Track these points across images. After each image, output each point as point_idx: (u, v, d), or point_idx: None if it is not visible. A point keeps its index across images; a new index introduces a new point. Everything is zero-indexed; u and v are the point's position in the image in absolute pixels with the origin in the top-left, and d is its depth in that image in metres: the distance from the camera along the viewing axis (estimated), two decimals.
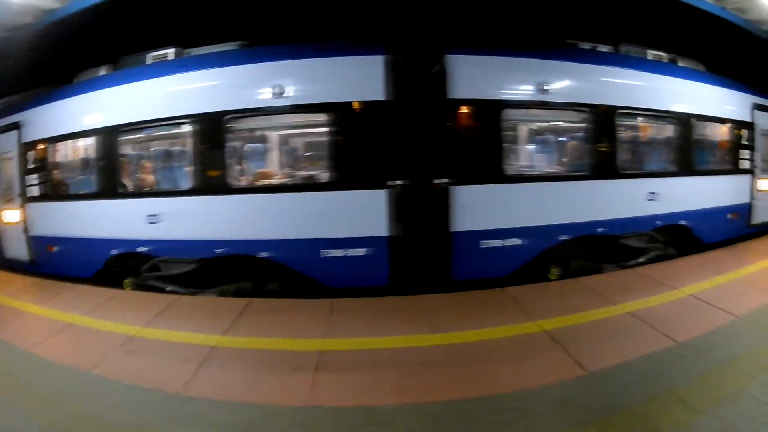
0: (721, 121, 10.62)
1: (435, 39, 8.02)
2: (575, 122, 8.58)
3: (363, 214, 7.44)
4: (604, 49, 9.12)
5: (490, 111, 7.51)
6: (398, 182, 7.47)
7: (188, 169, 7.71)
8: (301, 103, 7.41)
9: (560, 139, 8.84)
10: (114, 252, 7.80)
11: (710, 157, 10.74)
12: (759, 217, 11.58)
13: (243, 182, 8.00)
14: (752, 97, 11.45)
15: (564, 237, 7.82)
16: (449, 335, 5.55)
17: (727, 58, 12.43)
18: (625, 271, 8.20)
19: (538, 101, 7.83)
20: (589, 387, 4.35)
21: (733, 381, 4.37)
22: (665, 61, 10.06)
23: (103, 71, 8.86)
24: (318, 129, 7.90)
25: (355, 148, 7.38)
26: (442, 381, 4.54)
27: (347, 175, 7.37)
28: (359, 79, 7.57)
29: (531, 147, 8.61)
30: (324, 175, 7.52)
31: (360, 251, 7.32)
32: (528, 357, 5.05)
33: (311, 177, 8.00)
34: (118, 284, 7.88)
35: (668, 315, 6.06)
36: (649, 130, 9.58)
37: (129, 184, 8.20)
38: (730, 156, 10.75)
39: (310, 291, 7.18)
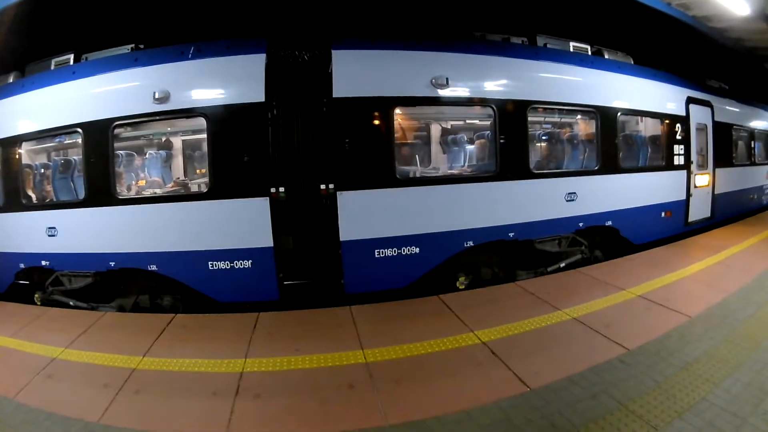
0: (652, 115, 9.98)
1: (320, 34, 7.36)
2: (480, 119, 7.96)
3: (246, 224, 6.73)
4: (517, 41, 8.22)
5: (380, 109, 6.85)
6: (281, 189, 6.81)
7: (80, 179, 7.14)
8: (181, 108, 6.77)
9: (464, 137, 8.08)
10: (21, 266, 7.30)
11: (640, 154, 10.11)
12: (696, 214, 10.97)
13: (128, 192, 7.45)
14: (687, 90, 10.82)
15: (470, 243, 7.17)
16: (377, 351, 5.08)
17: (662, 52, 11.81)
18: (570, 272, 7.77)
19: (434, 97, 7.12)
20: (533, 405, 3.98)
21: (693, 390, 4.11)
22: (589, 53, 9.30)
23: (11, 79, 8.33)
24: (200, 135, 7.30)
25: (236, 154, 6.72)
26: (369, 404, 4.13)
27: (228, 183, 6.69)
28: (239, 79, 6.85)
29: (430, 147, 7.82)
30: (206, 184, 6.89)
31: (246, 263, 6.69)
32: (465, 373, 4.59)
33: (194, 186, 7.41)
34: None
35: (617, 319, 5.73)
36: (568, 126, 8.83)
37: (31, 196, 7.62)
38: (662, 152, 10.10)
39: (236, 306, 6.76)
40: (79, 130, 6.85)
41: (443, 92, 7.06)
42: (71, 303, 7.20)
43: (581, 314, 5.85)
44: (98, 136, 6.85)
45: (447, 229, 7.01)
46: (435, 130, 8.07)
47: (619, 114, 8.99)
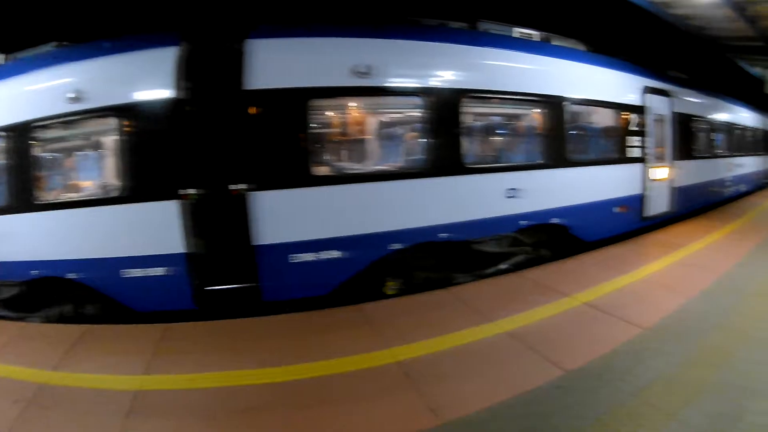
0: (605, 105, 9.21)
1: (236, 23, 6.51)
2: (409, 110, 7.02)
3: (155, 228, 6.13)
4: (456, 26, 7.44)
5: (294, 102, 6.06)
6: (192, 191, 6.03)
7: (4, 184, 6.52)
8: (93, 107, 6.14)
9: (392, 131, 7.22)
10: None
11: (591, 146, 9.37)
12: (653, 208, 10.27)
13: (45, 197, 6.64)
14: (644, 79, 10.11)
15: (397, 246, 6.42)
16: (282, 370, 4.38)
17: (618, 39, 11.09)
18: (512, 276, 7.11)
19: (355, 87, 6.28)
20: None
21: (643, 424, 3.37)
22: (535, 39, 8.52)
23: None
24: (111, 136, 6.46)
25: (144, 155, 6.07)
26: None
27: (136, 186, 6.06)
28: (149, 75, 6.17)
29: (353, 142, 6.97)
30: (116, 187, 6.25)
31: (159, 270, 6.07)
32: (371, 400, 3.89)
33: (105, 189, 6.58)
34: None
35: (557, 332, 5.05)
36: (509, 116, 8.04)
37: None
38: (616, 144, 9.36)
39: (160, 316, 6.12)
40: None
41: (365, 82, 6.27)
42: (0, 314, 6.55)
43: (516, 326, 5.13)
44: (16, 140, 6.25)
45: (369, 231, 6.31)
46: (359, 124, 7.22)
47: (567, 103, 8.22)
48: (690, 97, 12.53)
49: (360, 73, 6.19)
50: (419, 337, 4.85)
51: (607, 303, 5.74)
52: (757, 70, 16.11)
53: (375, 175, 6.56)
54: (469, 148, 7.27)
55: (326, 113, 6.73)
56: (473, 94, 7.10)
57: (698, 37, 13.27)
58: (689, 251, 8.36)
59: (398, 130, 7.27)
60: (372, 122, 7.01)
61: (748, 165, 17.80)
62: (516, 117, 8.15)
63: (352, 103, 6.73)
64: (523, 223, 7.73)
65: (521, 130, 8.20)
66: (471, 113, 7.33)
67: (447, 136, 6.71)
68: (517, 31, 8.48)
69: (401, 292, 6.64)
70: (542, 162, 7.93)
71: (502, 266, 7.78)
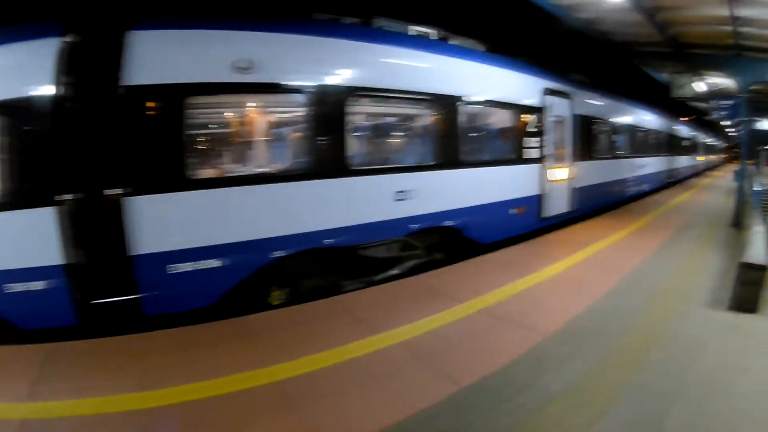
0: (503, 105, 9.11)
1: (117, 13, 5.82)
2: (293, 109, 6.49)
3: (33, 238, 5.39)
4: (349, 21, 7.28)
5: (173, 99, 5.45)
6: (68, 197, 5.34)
7: None
8: None
9: (274, 131, 6.73)
10: None
11: (487, 147, 9.26)
12: (551, 209, 10.34)
13: None
14: (544, 81, 10.13)
15: (280, 253, 5.92)
16: (163, 393, 3.87)
17: (521, 41, 11.08)
18: (404, 281, 6.73)
19: (236, 84, 5.72)
20: None
21: None
22: (433, 38, 8.28)
23: None
24: None
25: (17, 157, 5.33)
26: None
27: (10, 192, 5.33)
28: (24, 69, 5.42)
29: (232, 142, 6.48)
30: None
31: (39, 284, 5.36)
32: (250, 425, 3.42)
33: None
34: None
35: (452, 343, 4.67)
36: (399, 116, 7.73)
37: None
38: (514, 145, 9.31)
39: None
40: None
41: (247, 78, 5.71)
42: None
43: (407, 338, 4.75)
44: None
45: (250, 237, 5.76)
46: (241, 123, 6.73)
47: (461, 103, 8.07)
48: (592, 99, 12.76)
49: (241, 69, 5.66)
50: (304, 352, 4.44)
51: (506, 309, 5.53)
52: (663, 76, 16.65)
53: (255, 177, 6.01)
54: (356, 148, 6.89)
55: (206, 112, 6.18)
56: (362, 93, 6.68)
57: (604, 42, 13.46)
58: (592, 250, 8.45)
59: (282, 130, 6.76)
60: (255, 122, 6.47)
61: (651, 165, 18.51)
62: (408, 116, 7.84)
63: (234, 101, 6.23)
64: (413, 226, 7.44)
65: (413, 130, 7.89)
66: (359, 112, 6.97)
67: (332, 136, 6.30)
68: (414, 29, 8.20)
69: (289, 302, 6.16)
70: (434, 163, 7.70)
71: (394, 272, 7.34)
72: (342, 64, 6.64)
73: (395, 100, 7.44)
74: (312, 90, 6.15)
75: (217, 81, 5.62)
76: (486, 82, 8.75)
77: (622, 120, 15.16)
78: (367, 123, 7.41)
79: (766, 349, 4.65)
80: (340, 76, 6.53)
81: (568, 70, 12.78)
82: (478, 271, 7.20)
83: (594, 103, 12.94)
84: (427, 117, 7.76)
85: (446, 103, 7.82)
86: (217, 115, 6.39)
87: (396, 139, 7.93)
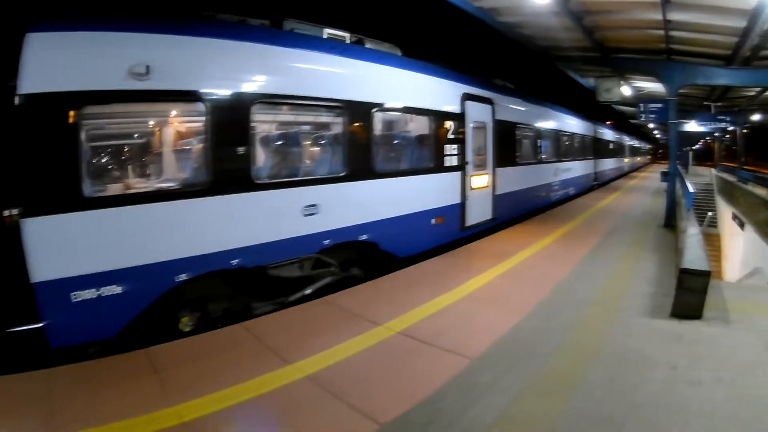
0: (420, 112, 8.76)
1: (14, 12, 5.39)
2: (195, 119, 5.90)
3: None
4: (258, 23, 6.94)
5: (67, 109, 4.80)
6: None
7: None
8: None
9: (174, 143, 6.17)
10: None
11: (403, 156, 8.91)
12: (475, 217, 10.07)
13: None
14: (464, 86, 9.87)
15: (184, 276, 5.33)
16: None
17: (440, 45, 10.77)
18: (316, 302, 6.21)
19: (133, 91, 5.06)
20: None
21: None
22: (347, 42, 7.80)
23: None
24: None
25: None
26: None
27: None
28: None
29: (132, 157, 5.89)
30: None
31: None
32: None
33: None
34: None
35: (368, 373, 4.24)
36: (309, 125, 7.25)
37: None
38: (432, 152, 8.98)
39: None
40: None
41: (145, 84, 5.09)
42: None
43: (319, 368, 4.30)
44: None
45: (151, 260, 5.13)
46: (141, 135, 6.07)
47: (376, 110, 7.66)
48: (514, 104, 12.69)
49: (138, 75, 5.04)
50: (210, 388, 3.96)
51: (428, 330, 5.12)
52: (590, 81, 16.87)
53: (153, 194, 5.37)
54: (262, 160, 6.47)
55: (103, 123, 5.57)
56: (267, 100, 6.21)
57: (528, 47, 13.40)
58: (518, 260, 8.21)
59: (182, 143, 6.15)
60: (153, 134, 5.94)
61: (576, 169, 18.76)
62: (318, 125, 7.39)
63: (132, 111, 5.61)
64: (326, 242, 6.98)
65: (324, 139, 7.42)
66: (265, 121, 6.56)
67: (236, 147, 5.78)
68: (328, 32, 7.71)
69: (199, 328, 5.66)
70: (346, 174, 7.25)
71: (307, 291, 6.80)
72: (247, 69, 6.09)
73: (304, 107, 7.02)
74: (213, 97, 5.59)
75: (113, 89, 4.98)
76: (402, 88, 8.39)
77: (546, 125, 15.25)
78: (273, 132, 6.95)
79: (719, 358, 4.44)
80: (244, 82, 5.96)
81: (492, 74, 12.63)
82: (395, 287, 6.79)
83: (517, 108, 12.87)
84: (339, 125, 7.29)
85: (359, 111, 7.41)
86: (115, 126, 5.80)
87: (305, 150, 7.40)
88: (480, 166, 10.63)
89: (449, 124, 9.28)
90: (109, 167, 5.55)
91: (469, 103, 9.91)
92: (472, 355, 4.49)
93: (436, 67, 9.36)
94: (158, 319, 5.42)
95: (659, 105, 11.61)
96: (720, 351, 4.64)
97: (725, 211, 20.28)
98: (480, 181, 10.39)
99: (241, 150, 5.80)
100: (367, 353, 4.61)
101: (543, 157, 14.88)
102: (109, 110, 5.42)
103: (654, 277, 7.00)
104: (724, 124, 17.59)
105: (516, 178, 12.43)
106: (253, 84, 6.14)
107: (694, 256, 5.95)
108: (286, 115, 7.14)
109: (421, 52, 9.85)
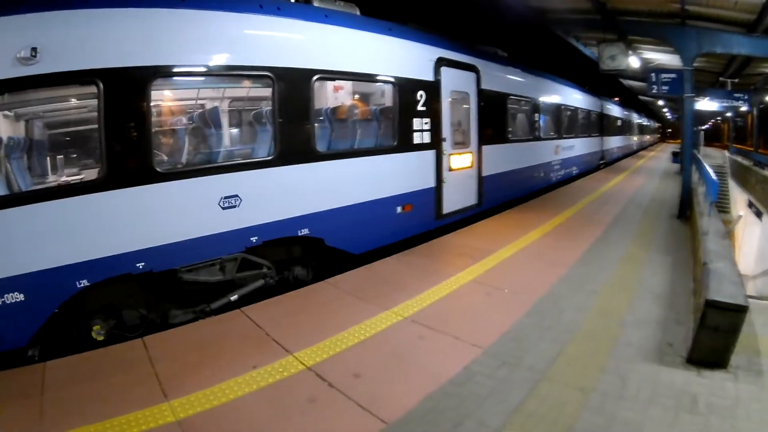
0: (377, 79, 7.13)
1: None
2: (82, 102, 5.13)
3: None
4: None
5: None
6: None
7: None
8: None
9: (65, 132, 5.52)
10: None
11: (356, 131, 7.34)
12: (454, 203, 8.34)
13: None
14: (437, 50, 8.00)
15: (85, 282, 4.40)
16: None
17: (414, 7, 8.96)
18: (227, 316, 4.96)
19: (21, 78, 4.09)
20: None
21: None
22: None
23: None
24: None
25: None
26: None
27: None
28: None
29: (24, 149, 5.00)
30: None
31: None
32: None
33: None
34: None
35: (263, 423, 3.09)
36: (224, 99, 5.72)
37: None
38: (396, 128, 7.28)
39: None
40: None
41: (34, 69, 4.08)
42: None
43: (196, 412, 3.23)
44: None
45: (45, 266, 4.24)
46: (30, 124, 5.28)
47: (315, 78, 6.01)
48: (506, 74, 10.81)
49: (25, 60, 4.06)
50: (90, 418, 3.15)
51: (352, 368, 3.75)
52: (593, 51, 14.82)
53: (41, 192, 4.46)
54: (163, 145, 5.36)
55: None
56: (172, 72, 4.89)
57: (523, 11, 11.47)
58: (495, 261, 6.49)
59: (72, 130, 5.48)
60: (43, 122, 5.27)
61: (580, 147, 16.83)
62: (236, 99, 5.77)
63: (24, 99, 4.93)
64: (253, 239, 5.55)
65: (248, 116, 5.87)
66: (165, 98, 5.48)
67: (132, 130, 4.57)
68: None
69: (113, 336, 4.83)
70: (275, 158, 5.67)
71: (233, 298, 5.62)
72: (147, 38, 4.69)
73: (221, 77, 5.80)
74: (105, 75, 4.38)
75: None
76: (353, 52, 6.67)
77: (546, 98, 13.30)
78: (177, 109, 5.74)
79: None
80: (140, 53, 4.59)
81: (484, 42, 10.74)
82: (324, 300, 5.26)
83: (510, 78, 11.00)
84: (265, 100, 5.87)
85: (293, 80, 5.79)
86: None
87: (220, 131, 5.95)
88: (461, 144, 8.88)
89: (418, 95, 7.51)
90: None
91: (446, 70, 8.13)
92: (391, 415, 3.13)
93: (401, 28, 7.53)
94: (72, 327, 4.70)
95: (673, 75, 9.63)
96: (752, 427, 3.01)
97: (739, 197, 18.26)
98: (461, 160, 8.62)
99: (138, 134, 4.58)
100: (263, 395, 3.42)
101: (542, 133, 12.94)
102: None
103: (664, 291, 5.29)
104: (740, 102, 15.40)
105: (508, 157, 10.63)
106: (155, 53, 4.74)
107: (725, 281, 4.13)
108: (196, 90, 6.01)
109: (403, 16, 8.02)
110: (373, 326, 4.55)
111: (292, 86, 5.75)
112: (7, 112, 5.05)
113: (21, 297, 4.11)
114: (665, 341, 4.10)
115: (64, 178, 5.08)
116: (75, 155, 5.37)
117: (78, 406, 3.30)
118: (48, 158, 5.35)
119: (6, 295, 4.04)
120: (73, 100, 5.29)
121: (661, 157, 30.12)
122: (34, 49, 4.03)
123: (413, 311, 4.88)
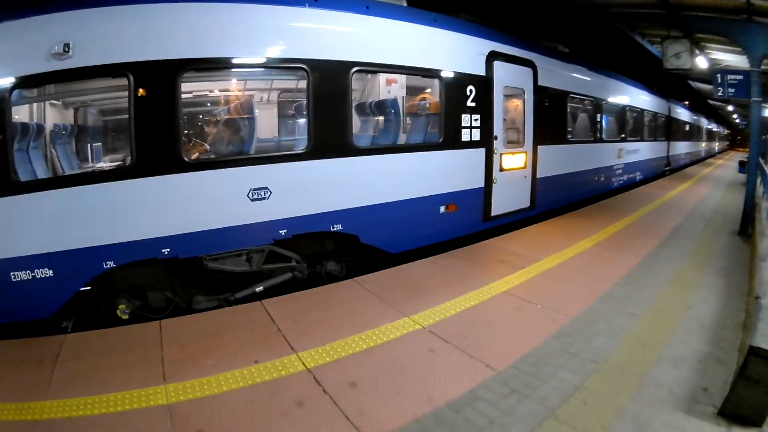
0: (421, 72, 6.62)
1: None
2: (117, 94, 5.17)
3: None
4: None
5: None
6: None
7: None
8: None
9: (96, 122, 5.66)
10: None
11: (398, 127, 6.93)
12: (504, 205, 7.73)
13: None
14: (490, 43, 7.41)
15: (111, 264, 4.47)
16: None
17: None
18: (237, 308, 4.84)
19: (58, 72, 4.21)
20: None
21: None
22: None
23: None
24: None
25: None
26: None
27: None
28: None
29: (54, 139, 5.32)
30: None
31: None
32: None
33: None
34: None
35: None
36: (259, 90, 5.91)
37: None
38: (441, 124, 6.75)
39: None
40: None
41: (67, 63, 4.18)
42: None
43: (191, 397, 3.22)
44: None
45: (76, 245, 4.36)
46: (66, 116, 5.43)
47: (355, 70, 5.67)
48: (566, 71, 10.02)
49: (59, 55, 4.15)
50: (92, 390, 3.26)
51: (351, 375, 3.45)
52: (659, 48, 13.66)
53: (76, 178, 4.77)
54: (194, 136, 5.44)
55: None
56: (198, 66, 4.80)
57: (584, 5, 10.64)
58: (536, 271, 5.86)
59: (108, 121, 5.65)
60: (81, 113, 5.43)
61: (645, 152, 15.66)
62: (274, 91, 5.56)
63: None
64: (282, 232, 5.30)
65: (284, 108, 5.81)
66: (195, 90, 5.59)
67: (162, 124, 4.54)
68: None
69: (139, 316, 4.91)
70: (308, 150, 5.37)
71: (258, 289, 5.48)
72: (172, 35, 4.60)
73: (254, 69, 5.61)
74: (135, 69, 4.38)
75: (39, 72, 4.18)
76: (396, 43, 6.22)
77: (610, 98, 12.31)
78: (208, 102, 5.82)
79: None
80: (167, 48, 4.52)
81: (545, 38, 10.02)
82: (346, 300, 4.92)
83: (570, 75, 10.21)
84: (302, 91, 5.61)
85: (329, 72, 5.44)
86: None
87: (249, 122, 5.65)
88: (515, 143, 8.23)
89: (468, 89, 6.93)
90: (36, 153, 4.88)
91: (499, 64, 7.51)
92: None
93: (448, 20, 6.98)
94: (97, 305, 4.83)
95: (740, 77, 8.54)
96: None
97: None
98: (514, 160, 7.98)
99: (168, 126, 4.56)
100: (253, 391, 3.27)
101: (604, 135, 12.00)
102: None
103: (712, 321, 4.47)
104: None
105: (565, 159, 9.85)
106: (177, 48, 4.61)
107: None
108: (228, 82, 5.96)
109: (456, 9, 7.50)
110: (387, 333, 4.16)
111: (328, 79, 5.40)
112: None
113: (50, 273, 4.23)
114: (701, 385, 3.39)
115: (99, 165, 5.19)
116: (111, 142, 5.49)
117: (84, 378, 3.39)
118: (86, 145, 5.58)
119: (36, 270, 4.17)
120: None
121: (729, 165, 27.91)
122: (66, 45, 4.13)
123: (433, 321, 4.41)
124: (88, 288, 4.48)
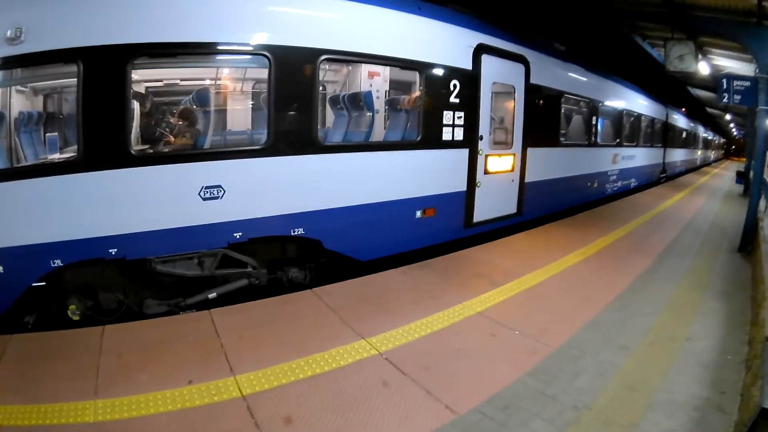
0: (396, 63, 6.05)
1: None
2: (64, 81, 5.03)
3: None
4: None
5: None
6: None
7: None
8: None
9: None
10: None
11: (368, 123, 6.36)
12: (487, 211, 7.09)
13: None
14: (477, 34, 6.78)
15: (58, 263, 4.08)
16: None
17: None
18: (183, 317, 4.40)
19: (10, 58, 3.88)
20: None
21: None
22: None
23: None
24: None
25: None
26: None
27: None
28: None
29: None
30: None
31: None
32: None
33: None
34: None
35: None
36: (205, 80, 5.42)
37: None
38: (419, 121, 6.18)
39: None
40: None
41: (19, 49, 3.83)
42: None
43: (117, 417, 2.84)
44: None
45: (23, 242, 4.00)
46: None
47: (322, 59, 5.03)
48: (561, 69, 9.36)
49: (11, 40, 3.81)
50: (17, 399, 2.93)
51: (283, 411, 2.93)
52: (659, 52, 13.07)
53: (22, 170, 4.50)
54: (141, 128, 5.02)
55: None
56: (149, 51, 4.26)
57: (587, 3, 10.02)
58: (517, 289, 5.22)
59: (53, 111, 5.39)
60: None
61: (641, 158, 15.07)
62: (229, 81, 4.87)
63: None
64: (237, 235, 4.73)
65: (238, 99, 5.41)
66: (147, 79, 5.18)
67: (106, 113, 4.08)
68: None
69: (89, 317, 4.52)
70: (266, 147, 4.78)
71: (211, 296, 4.98)
72: (122, 14, 4.08)
73: (210, 56, 5.19)
74: (84, 55, 3.95)
75: None
76: (367, 30, 5.57)
77: (606, 100, 11.67)
78: (158, 91, 5.32)
79: None
80: (117, 31, 4.04)
81: (542, 34, 9.38)
82: (299, 316, 4.31)
83: (565, 74, 9.57)
84: (262, 81, 5.19)
85: (293, 61, 4.83)
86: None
87: (204, 115, 5.24)
88: (502, 144, 7.61)
89: (451, 84, 6.29)
90: None
91: (488, 58, 6.86)
92: None
93: (433, 8, 6.33)
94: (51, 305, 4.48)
95: (747, 84, 7.92)
96: None
97: None
98: (500, 163, 7.36)
99: (112, 116, 4.09)
100: (177, 417, 2.85)
101: (599, 139, 11.37)
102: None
103: (712, 357, 3.85)
104: None
105: (557, 163, 9.23)
106: (130, 31, 4.12)
107: None
108: (182, 71, 5.50)
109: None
110: (337, 358, 3.58)
111: (292, 68, 4.81)
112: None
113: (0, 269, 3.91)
114: None
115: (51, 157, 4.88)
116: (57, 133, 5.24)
117: (15, 384, 3.11)
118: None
119: None
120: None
121: (725, 174, 27.36)
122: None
123: (393, 345, 3.80)
124: (43, 284, 4.15)
